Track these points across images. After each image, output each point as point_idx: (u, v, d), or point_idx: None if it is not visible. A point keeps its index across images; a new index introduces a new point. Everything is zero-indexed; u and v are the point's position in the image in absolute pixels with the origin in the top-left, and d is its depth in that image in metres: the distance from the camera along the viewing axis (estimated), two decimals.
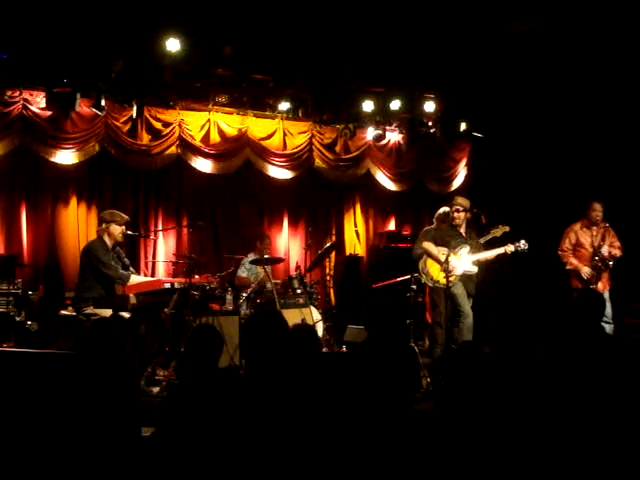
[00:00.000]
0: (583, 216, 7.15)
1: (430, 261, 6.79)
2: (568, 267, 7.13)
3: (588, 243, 7.06)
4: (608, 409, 2.57)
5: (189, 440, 3.02)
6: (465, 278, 6.73)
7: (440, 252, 6.64)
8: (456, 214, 6.79)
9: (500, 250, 6.73)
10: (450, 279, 6.40)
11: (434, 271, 6.72)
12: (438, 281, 6.64)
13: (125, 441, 3.21)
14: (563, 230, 7.40)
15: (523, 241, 6.71)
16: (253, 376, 2.90)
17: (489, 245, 6.83)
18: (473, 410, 2.80)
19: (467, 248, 6.72)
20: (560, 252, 7.20)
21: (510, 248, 6.69)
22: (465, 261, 6.68)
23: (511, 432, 2.68)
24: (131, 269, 6.38)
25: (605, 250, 6.94)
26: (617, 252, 7.02)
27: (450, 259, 6.29)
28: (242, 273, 8.03)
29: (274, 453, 2.68)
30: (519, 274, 8.35)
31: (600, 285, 6.96)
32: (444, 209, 7.23)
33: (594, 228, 7.06)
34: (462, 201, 6.90)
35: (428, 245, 6.80)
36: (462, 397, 2.88)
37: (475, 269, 6.74)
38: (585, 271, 6.97)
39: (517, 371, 2.87)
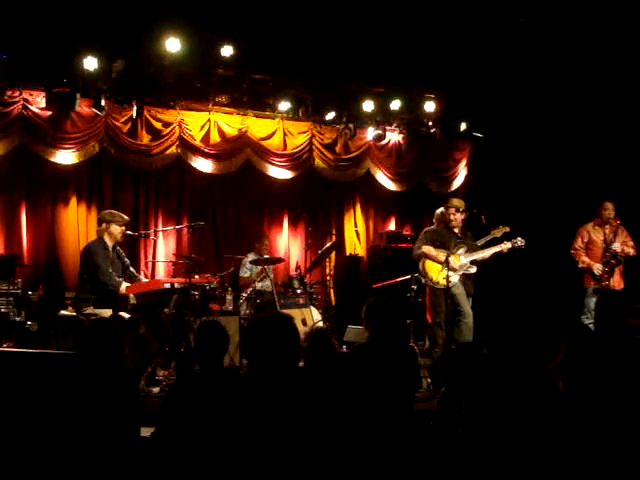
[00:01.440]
0: (594, 216, 7.18)
1: (428, 263, 6.79)
2: (580, 265, 7.14)
3: (600, 241, 7.07)
4: (610, 410, 2.57)
5: (191, 437, 3.02)
6: (464, 277, 6.74)
7: (439, 254, 6.65)
8: (452, 216, 6.79)
9: (497, 248, 6.73)
10: (450, 279, 6.42)
11: (433, 272, 6.73)
12: (438, 282, 6.65)
13: (124, 441, 3.21)
14: (564, 229, 7.41)
15: (520, 238, 6.70)
16: (255, 376, 2.90)
17: (489, 246, 6.83)
18: (473, 410, 2.80)
19: (464, 248, 6.72)
20: (572, 251, 7.22)
21: (507, 245, 6.70)
22: (463, 261, 6.69)
23: (512, 432, 2.68)
24: (131, 269, 6.38)
25: (617, 246, 6.95)
26: (631, 251, 7.04)
27: (449, 260, 6.32)
28: (244, 274, 8.04)
29: (273, 453, 2.68)
30: (518, 273, 8.34)
31: (612, 282, 6.96)
32: (442, 209, 7.23)
33: (606, 226, 7.08)
34: (458, 202, 6.91)
35: (427, 249, 6.80)
36: (462, 397, 2.88)
37: (474, 269, 6.76)
38: (597, 267, 6.98)
39: (516, 372, 2.88)
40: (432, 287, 6.82)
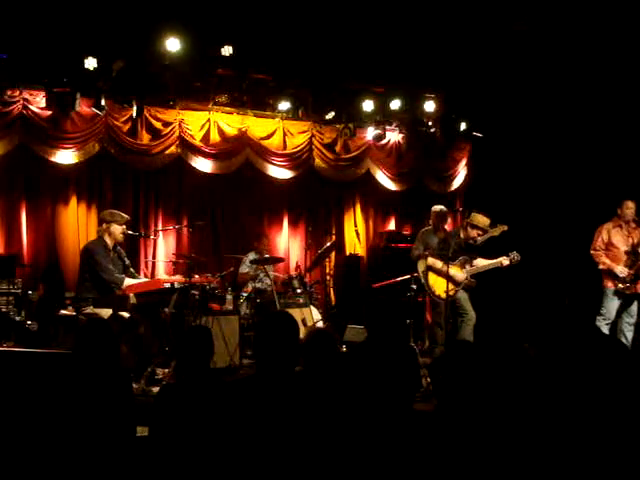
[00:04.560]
0: (615, 215, 6.96)
1: (433, 277, 6.78)
2: (601, 267, 6.89)
3: (622, 243, 6.86)
4: (608, 408, 2.57)
5: (183, 440, 3.02)
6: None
7: (444, 267, 6.60)
8: (478, 236, 6.73)
9: (496, 263, 6.72)
10: (450, 293, 6.43)
11: (437, 287, 6.71)
12: (439, 296, 6.64)
13: (119, 440, 3.21)
14: (562, 229, 7.35)
15: (515, 252, 6.67)
16: (263, 376, 2.91)
17: (487, 245, 6.84)
18: (473, 410, 2.80)
19: (467, 259, 6.72)
20: (593, 251, 6.96)
21: (506, 262, 6.68)
22: (464, 274, 6.68)
23: (513, 433, 2.69)
24: (131, 269, 6.39)
25: None
26: None
27: (452, 274, 6.37)
28: (243, 270, 8.03)
29: (271, 453, 2.69)
30: (517, 274, 8.34)
31: (637, 286, 6.78)
32: (440, 207, 7.24)
33: (626, 227, 6.89)
34: (483, 220, 6.75)
35: (433, 262, 6.79)
36: (461, 397, 2.88)
37: (474, 281, 6.76)
38: (620, 269, 6.76)
39: (514, 370, 2.88)
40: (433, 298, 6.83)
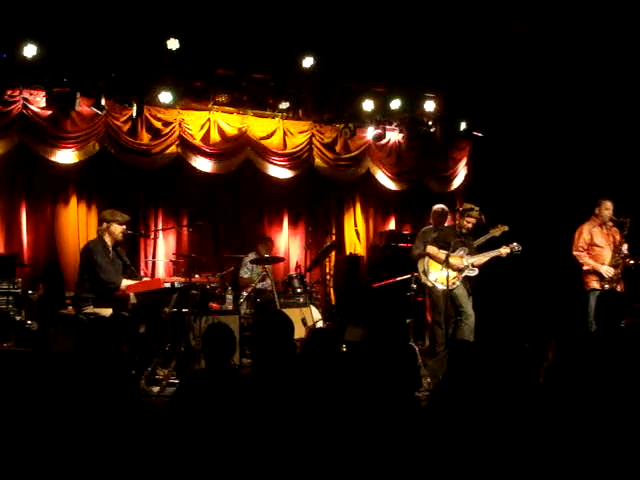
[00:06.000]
0: (592, 214, 6.91)
1: (434, 264, 6.80)
2: (585, 268, 6.80)
3: (605, 242, 6.82)
4: (610, 407, 2.57)
5: (199, 436, 3.02)
6: (464, 278, 6.76)
7: (441, 253, 6.68)
8: (469, 224, 6.76)
9: (495, 252, 6.74)
10: (452, 281, 6.43)
11: (438, 274, 6.72)
12: (442, 284, 6.65)
13: (125, 440, 3.21)
14: (562, 229, 7.33)
15: (516, 243, 6.68)
16: (259, 375, 2.91)
17: (487, 245, 6.85)
18: (469, 408, 2.80)
19: (465, 250, 6.74)
20: (576, 252, 6.86)
21: (506, 250, 6.69)
22: (466, 263, 6.71)
23: (510, 430, 2.69)
24: (132, 268, 6.40)
25: (626, 248, 6.72)
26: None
27: (454, 261, 6.37)
28: (244, 274, 8.04)
29: (273, 453, 2.69)
30: (517, 273, 8.34)
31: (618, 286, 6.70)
32: (440, 206, 7.24)
33: (605, 227, 6.84)
34: (476, 208, 6.81)
35: (431, 249, 6.81)
36: (459, 395, 2.88)
37: (475, 271, 6.76)
38: (606, 270, 6.68)
39: (514, 370, 2.88)
40: (433, 287, 6.83)
